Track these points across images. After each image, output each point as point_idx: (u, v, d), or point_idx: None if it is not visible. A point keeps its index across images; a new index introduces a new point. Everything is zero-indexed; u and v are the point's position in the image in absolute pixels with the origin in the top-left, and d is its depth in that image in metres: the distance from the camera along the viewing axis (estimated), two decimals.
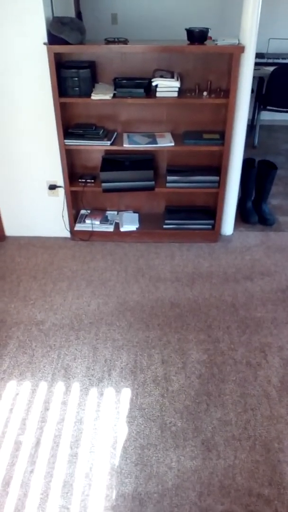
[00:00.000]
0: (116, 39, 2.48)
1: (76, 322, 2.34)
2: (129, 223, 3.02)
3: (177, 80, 2.49)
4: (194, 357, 2.13)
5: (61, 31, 2.31)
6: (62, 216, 3.00)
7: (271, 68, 4.33)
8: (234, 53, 2.38)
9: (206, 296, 2.54)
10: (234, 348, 2.18)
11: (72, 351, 2.16)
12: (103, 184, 2.78)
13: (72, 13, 3.32)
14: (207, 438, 1.76)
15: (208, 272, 2.76)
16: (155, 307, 2.45)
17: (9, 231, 3.11)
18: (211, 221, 2.99)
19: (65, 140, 2.65)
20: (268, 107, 4.58)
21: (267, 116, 5.42)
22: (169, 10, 4.70)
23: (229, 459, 1.69)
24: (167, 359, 2.11)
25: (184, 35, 2.49)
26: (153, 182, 2.79)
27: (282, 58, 4.80)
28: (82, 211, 3.17)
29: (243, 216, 3.32)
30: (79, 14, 4.78)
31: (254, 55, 2.48)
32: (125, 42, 2.47)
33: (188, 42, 2.47)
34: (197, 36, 2.41)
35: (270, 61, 4.74)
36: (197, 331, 2.28)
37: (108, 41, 2.48)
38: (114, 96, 2.52)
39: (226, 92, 2.59)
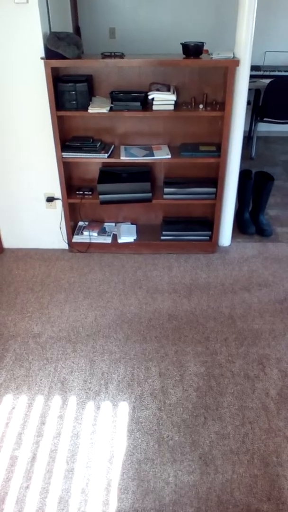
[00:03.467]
0: (112, 53, 2.52)
1: (73, 334, 2.33)
2: (127, 235, 3.03)
3: (173, 93, 2.51)
4: (191, 369, 2.12)
5: (57, 45, 2.34)
6: (60, 228, 3.01)
7: (268, 81, 4.38)
8: (229, 67, 2.40)
9: (203, 308, 2.53)
10: (232, 360, 2.17)
11: (69, 364, 2.15)
12: (101, 196, 2.79)
13: (70, 28, 3.37)
14: (204, 452, 1.74)
15: (205, 283, 2.75)
16: (153, 319, 2.44)
17: (7, 243, 3.11)
18: (209, 232, 3.00)
19: (63, 153, 2.67)
20: (265, 119, 4.62)
21: (264, 127, 5.47)
22: (165, 25, 4.78)
23: (227, 473, 1.67)
24: (165, 372, 2.10)
25: (180, 49, 2.53)
26: (150, 194, 2.80)
27: (278, 71, 4.86)
28: (80, 223, 3.18)
29: (240, 227, 3.33)
30: (77, 29, 4.85)
31: (249, 68, 2.51)
32: (121, 56, 2.50)
33: (184, 56, 2.50)
34: (193, 50, 2.45)
35: (267, 73, 4.80)
36: (194, 343, 2.27)
37: (104, 56, 2.51)
38: (111, 109, 2.55)
39: (222, 104, 2.62)
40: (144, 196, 2.80)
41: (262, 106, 4.57)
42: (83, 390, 2.01)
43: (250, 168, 3.37)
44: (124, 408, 1.92)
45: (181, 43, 2.49)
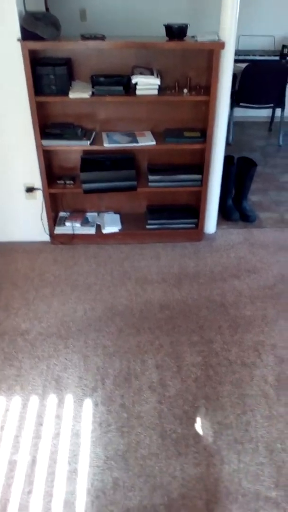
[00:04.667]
0: (92, 35, 2.40)
1: (63, 330, 2.25)
2: (111, 225, 2.95)
3: (157, 77, 2.43)
4: (188, 360, 2.08)
5: (35, 26, 2.20)
6: (41, 220, 2.89)
7: (243, 65, 4.34)
8: (214, 49, 2.34)
9: (195, 297, 2.50)
10: (228, 349, 2.15)
11: (62, 361, 2.07)
12: (84, 185, 2.69)
13: (42, 8, 3.20)
14: (209, 444, 1.71)
15: (194, 271, 2.72)
16: (144, 310, 2.39)
17: None
18: (195, 220, 2.96)
19: (43, 141, 2.55)
20: (241, 104, 4.60)
21: (239, 112, 5.45)
22: (139, 7, 4.65)
23: (233, 463, 1.65)
24: (161, 364, 2.06)
25: (155, 32, 2.44)
26: (135, 182, 2.72)
27: (253, 55, 4.84)
28: (61, 213, 3.06)
29: (224, 213, 3.30)
30: (46, 10, 4.65)
31: (233, 51, 2.45)
32: (102, 38, 2.39)
33: (167, 38, 2.41)
34: (177, 32, 2.36)
35: (241, 57, 4.76)
36: (189, 333, 2.24)
37: (84, 37, 2.39)
38: (93, 94, 2.44)
39: (206, 88, 2.56)
40: (129, 184, 2.72)
41: (238, 90, 4.54)
42: (79, 387, 1.94)
43: (228, 153, 3.34)
44: (123, 403, 1.87)
45: (164, 25, 2.40)
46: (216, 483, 1.58)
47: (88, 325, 2.28)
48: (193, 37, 2.43)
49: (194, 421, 1.80)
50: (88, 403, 1.86)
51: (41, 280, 2.63)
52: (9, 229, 2.94)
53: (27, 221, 2.91)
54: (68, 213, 3.05)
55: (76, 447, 1.68)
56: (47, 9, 4.64)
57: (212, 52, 2.37)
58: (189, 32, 2.42)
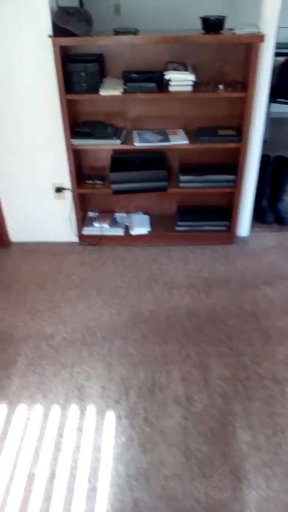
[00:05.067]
0: (125, 30, 2.31)
1: (88, 335, 2.19)
2: (140, 226, 2.86)
3: (192, 73, 2.31)
4: (215, 372, 1.98)
5: (67, 22, 2.13)
6: (70, 220, 2.84)
7: (281, 59, 4.13)
8: (253, 43, 2.20)
9: (224, 304, 2.38)
10: (258, 362, 2.03)
11: (85, 369, 2.01)
12: (113, 186, 2.62)
13: (76, 4, 3.13)
14: (235, 466, 1.62)
15: (224, 277, 2.60)
16: (171, 316, 2.30)
17: (14, 237, 2.95)
18: (227, 222, 2.83)
19: (72, 140, 2.48)
20: (278, 100, 4.39)
21: (276, 108, 5.22)
22: (174, 1, 4.50)
23: (261, 489, 1.55)
24: (187, 376, 1.97)
25: (191, 26, 2.31)
26: (165, 183, 2.63)
27: None
28: (90, 214, 3.01)
29: (258, 215, 3.15)
30: (81, 5, 4.58)
31: (274, 45, 2.30)
32: (135, 33, 2.29)
33: (203, 32, 2.29)
34: (213, 25, 2.24)
35: (280, 50, 4.53)
36: (217, 343, 2.13)
37: (117, 32, 2.30)
38: (124, 91, 2.35)
39: (243, 84, 2.42)
40: (159, 185, 2.63)
41: (276, 85, 4.32)
42: (102, 398, 1.88)
43: (264, 152, 3.17)
44: (147, 417, 1.79)
45: (200, 17, 2.28)
46: (242, 510, 1.48)
47: (113, 331, 2.22)
48: (230, 29, 2.30)
49: (220, 440, 1.70)
50: (110, 416, 1.80)
51: (68, 282, 2.58)
52: (37, 229, 2.91)
53: (56, 222, 2.87)
54: (97, 214, 2.99)
55: (96, 463, 1.63)
56: (81, 4, 4.57)
57: (250, 45, 2.23)
58: (227, 25, 2.28)
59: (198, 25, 2.30)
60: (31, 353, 2.11)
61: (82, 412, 1.82)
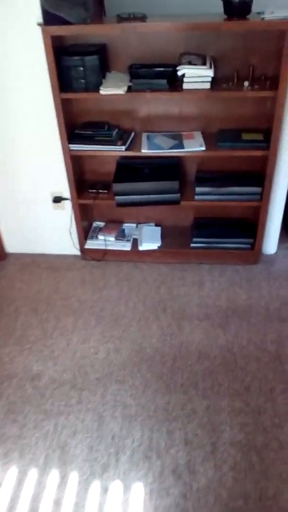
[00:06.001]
0: (131, 15, 1.93)
1: (79, 377, 1.90)
2: (150, 241, 2.52)
3: (210, 67, 1.92)
4: (227, 435, 1.65)
5: (59, 6, 1.78)
6: (70, 233, 2.53)
7: None
8: (287, 30, 1.78)
9: (243, 343, 2.03)
10: (280, 424, 1.68)
11: (72, 420, 1.72)
12: (117, 198, 2.28)
13: None
14: None
15: (246, 306, 2.24)
16: (178, 357, 1.97)
17: (11, 248, 2.67)
18: (250, 240, 2.45)
19: (70, 145, 2.16)
20: None
21: None
22: None
23: None
24: (192, 439, 1.64)
25: (214, 7, 1.90)
26: (178, 195, 2.27)
27: None
28: (95, 224, 2.69)
29: (287, 229, 2.74)
30: None
31: None
32: (142, 18, 1.92)
33: (225, 17, 1.88)
34: (238, 8, 1.83)
35: None
36: (231, 396, 1.79)
37: (121, 18, 1.93)
38: (129, 89, 1.99)
39: (273, 80, 2.01)
40: (171, 197, 2.27)
41: None
42: (88, 461, 1.58)
43: None
44: (139, 492, 1.49)
45: None
46: None
47: (109, 373, 1.91)
48: (259, 14, 1.88)
49: None
50: (95, 487, 1.50)
51: (64, 306, 2.28)
52: (35, 241, 2.62)
53: (55, 233, 2.57)
54: (102, 223, 2.66)
55: None
56: None
57: (283, 33, 1.81)
58: (254, 8, 1.86)
59: (219, 8, 1.89)
60: (14, 395, 1.83)
61: (63, 479, 1.53)
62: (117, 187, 2.25)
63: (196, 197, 2.29)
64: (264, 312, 2.19)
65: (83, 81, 1.99)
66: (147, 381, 1.86)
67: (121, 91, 1.96)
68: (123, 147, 2.14)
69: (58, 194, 2.40)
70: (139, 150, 2.15)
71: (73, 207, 2.39)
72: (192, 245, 2.50)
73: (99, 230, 2.63)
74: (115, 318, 2.20)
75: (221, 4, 1.87)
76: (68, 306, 2.28)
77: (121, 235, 2.60)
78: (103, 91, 1.96)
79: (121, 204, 2.31)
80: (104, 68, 2.05)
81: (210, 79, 1.95)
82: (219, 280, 2.41)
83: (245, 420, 1.70)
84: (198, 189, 2.27)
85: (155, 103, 2.23)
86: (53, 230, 2.55)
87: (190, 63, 1.95)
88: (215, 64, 2.04)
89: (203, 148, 2.12)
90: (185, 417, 1.72)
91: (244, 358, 1.95)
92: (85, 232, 2.55)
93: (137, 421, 1.71)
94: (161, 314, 2.20)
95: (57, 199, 2.40)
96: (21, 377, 1.91)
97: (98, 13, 2.06)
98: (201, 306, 2.25)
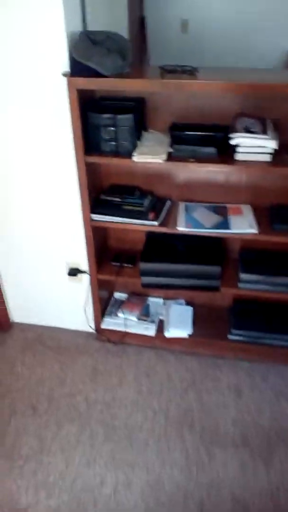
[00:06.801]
0: (178, 67, 1.57)
1: None
2: (179, 326, 2.10)
3: (273, 136, 1.52)
4: None
5: (88, 55, 1.43)
6: (85, 311, 2.14)
7: None
8: None
9: None
10: None
11: None
12: (143, 278, 1.89)
13: (124, 21, 2.44)
14: None
15: None
16: (206, 501, 1.51)
17: (16, 317, 2.30)
18: None
19: (93, 215, 1.78)
20: None
21: None
22: (258, 17, 3.67)
23: None
24: None
25: (275, 59, 1.52)
26: (218, 282, 1.85)
27: None
28: (116, 295, 2.29)
29: None
30: (141, 20, 3.91)
31: None
32: (192, 72, 1.55)
33: None
34: None
35: None
36: None
37: (164, 70, 1.57)
38: (169, 157, 1.61)
39: None
40: (209, 284, 1.85)
41: None
42: None
43: None
44: None
45: None
46: None
47: None
48: None
49: None
50: None
51: (69, 406, 1.87)
52: (44, 311, 2.24)
53: (68, 307, 2.18)
54: (124, 296, 2.27)
55: None
56: (142, 18, 3.91)
57: None
58: None
59: (283, 57, 1.50)
60: None
61: None
62: (144, 266, 1.85)
63: (240, 284, 1.86)
64: None
65: (113, 143, 1.62)
66: None
67: (159, 159, 1.57)
68: (156, 222, 1.75)
69: (75, 265, 2.02)
70: (175, 227, 1.75)
71: (91, 283, 2.00)
72: (230, 336, 2.06)
73: (120, 305, 2.22)
74: (129, 432, 1.76)
75: (285, 55, 1.48)
76: (73, 407, 1.86)
77: (144, 313, 2.19)
78: (137, 158, 1.58)
79: (147, 286, 1.90)
80: (140, 127, 1.68)
81: (271, 150, 1.55)
82: (262, 387, 1.95)
83: None
84: (243, 276, 1.84)
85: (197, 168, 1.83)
86: (66, 303, 2.17)
87: (247, 129, 1.55)
88: (277, 128, 1.64)
89: (254, 231, 1.70)
90: None
91: None
92: (103, 304, 2.16)
93: None
94: (187, 432, 1.75)
95: (73, 272, 2.02)
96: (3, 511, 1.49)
97: (137, 62, 1.70)
98: (237, 424, 1.79)
